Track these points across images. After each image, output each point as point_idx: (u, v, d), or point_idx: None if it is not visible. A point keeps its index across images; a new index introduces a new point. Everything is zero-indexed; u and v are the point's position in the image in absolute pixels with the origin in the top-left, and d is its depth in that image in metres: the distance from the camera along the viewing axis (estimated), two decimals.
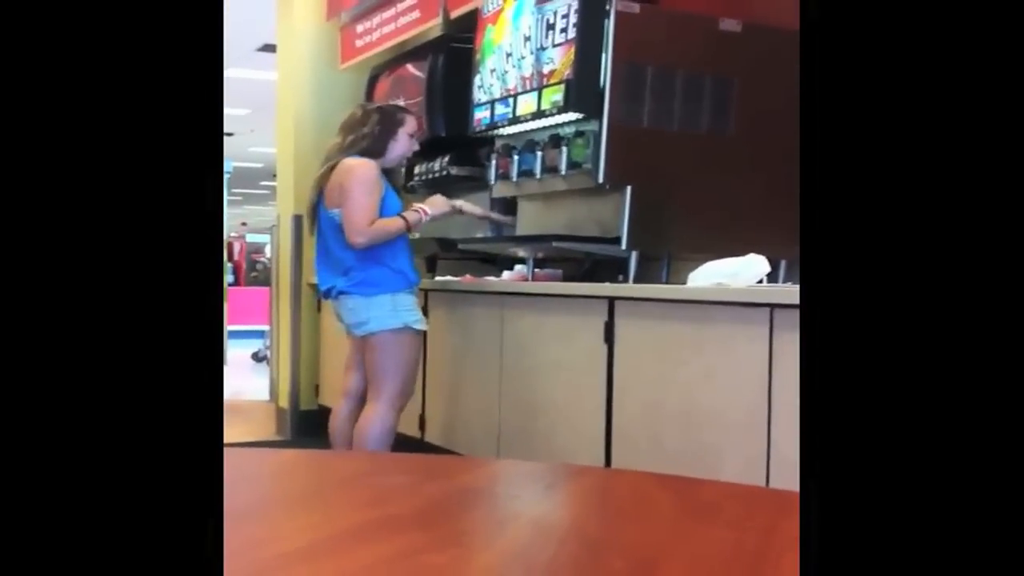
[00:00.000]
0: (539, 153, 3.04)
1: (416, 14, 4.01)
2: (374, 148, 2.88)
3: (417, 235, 3.10)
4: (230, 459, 1.23)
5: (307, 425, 4.56)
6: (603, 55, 2.76)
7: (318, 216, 2.96)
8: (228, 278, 6.80)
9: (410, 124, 2.95)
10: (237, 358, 6.67)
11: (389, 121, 2.91)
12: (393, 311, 2.85)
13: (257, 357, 7.49)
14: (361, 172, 2.83)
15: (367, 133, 2.87)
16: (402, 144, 2.93)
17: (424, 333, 3.02)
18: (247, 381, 6.48)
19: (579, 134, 2.89)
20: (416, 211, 2.91)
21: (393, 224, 2.85)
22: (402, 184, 3.11)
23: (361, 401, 3.04)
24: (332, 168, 2.88)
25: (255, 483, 1.07)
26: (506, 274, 3.36)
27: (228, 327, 6.31)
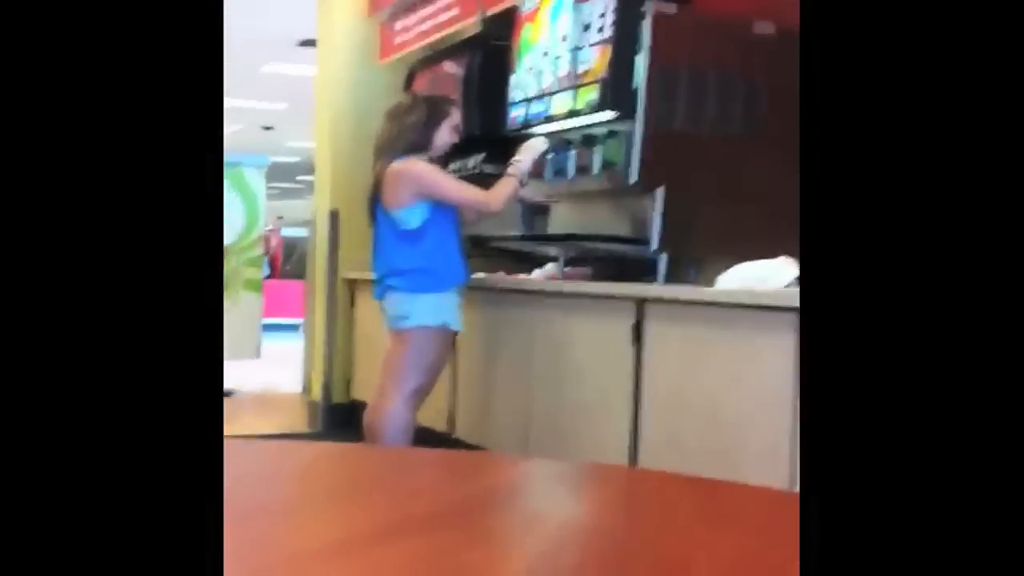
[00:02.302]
0: (572, 152, 3.06)
1: (455, 11, 4.04)
2: (420, 140, 2.92)
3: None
4: (264, 453, 1.25)
5: (338, 418, 4.60)
6: (638, 56, 2.77)
7: (375, 210, 2.99)
8: (264, 271, 6.87)
9: (454, 117, 3.00)
10: (271, 350, 6.75)
11: (435, 112, 2.95)
12: (435, 309, 2.88)
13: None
14: (421, 168, 2.88)
15: (414, 122, 2.91)
16: (444, 135, 2.97)
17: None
18: (280, 374, 6.54)
19: (612, 134, 2.89)
20: (516, 163, 2.94)
21: (510, 186, 2.92)
22: None
23: None
24: (387, 166, 2.92)
25: (289, 477, 1.08)
26: (536, 272, 3.38)
27: (264, 320, 6.38)
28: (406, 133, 2.91)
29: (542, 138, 3.06)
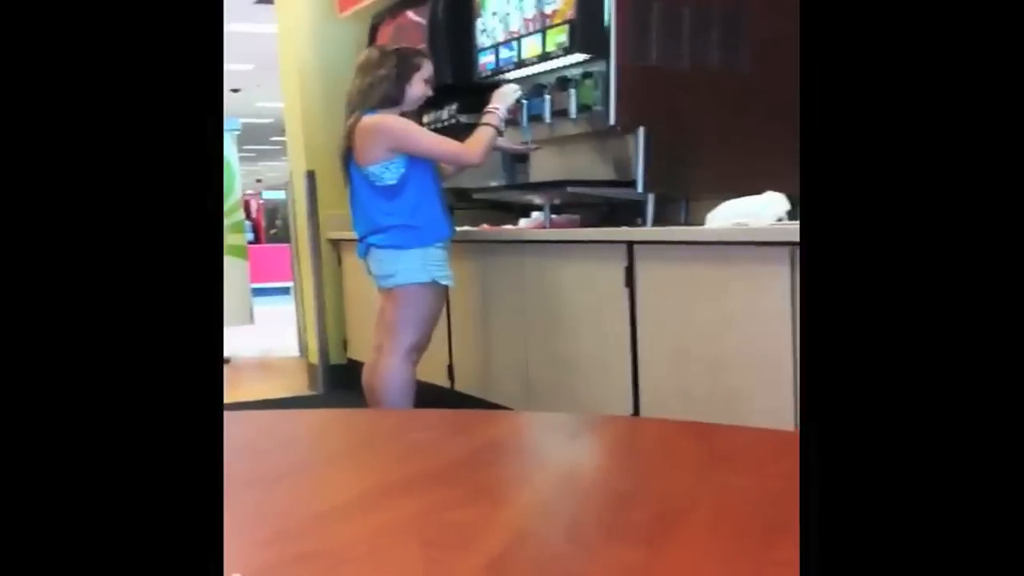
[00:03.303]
0: (547, 97, 2.99)
1: None
2: (391, 94, 2.85)
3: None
4: (260, 422, 1.26)
5: (339, 379, 4.61)
6: None
7: (349, 168, 2.94)
8: (248, 236, 6.80)
9: (426, 69, 2.92)
10: (264, 315, 6.73)
11: (406, 65, 2.88)
12: (423, 265, 2.85)
13: None
14: (393, 123, 2.82)
15: (384, 76, 2.84)
16: (417, 89, 2.90)
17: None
18: (277, 338, 6.54)
19: (587, 75, 2.83)
20: (491, 112, 2.89)
21: (488, 134, 2.85)
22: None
23: None
24: (358, 122, 2.85)
25: (285, 445, 1.10)
26: (523, 222, 3.34)
27: (253, 284, 6.34)
28: (377, 87, 2.84)
29: (514, 84, 2.99)
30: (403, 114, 2.91)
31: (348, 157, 2.90)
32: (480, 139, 2.84)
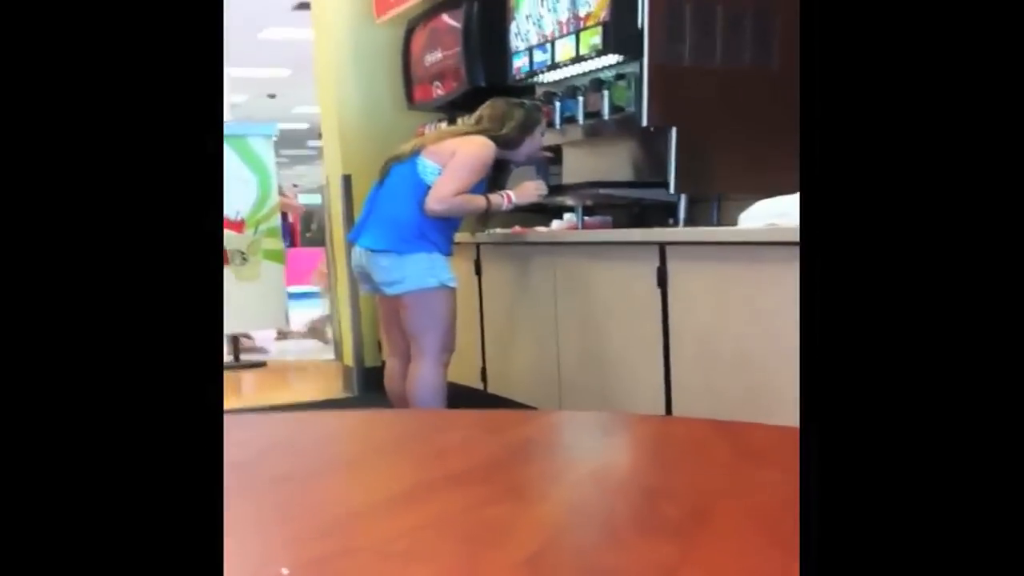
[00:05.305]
0: (580, 98, 3.01)
1: None
2: (515, 138, 2.94)
3: None
4: (293, 423, 1.28)
5: (373, 381, 4.63)
6: None
7: (399, 164, 2.96)
8: (285, 240, 6.87)
9: (544, 122, 3.03)
10: (300, 318, 6.79)
11: (531, 117, 2.97)
12: (429, 269, 2.87)
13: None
14: (482, 152, 2.87)
15: (515, 126, 2.93)
16: (536, 141, 3.00)
17: (479, 287, 3.04)
18: (312, 341, 6.60)
19: (620, 76, 2.84)
20: (501, 196, 2.94)
21: (474, 202, 2.89)
22: (502, 185, 3.10)
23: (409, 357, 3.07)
24: (458, 134, 2.92)
25: (324, 444, 1.12)
26: (556, 223, 3.35)
27: (288, 288, 6.40)
28: (509, 132, 2.92)
29: (544, 188, 3.03)
30: (506, 158, 2.96)
31: (416, 152, 2.91)
32: (465, 201, 2.86)
